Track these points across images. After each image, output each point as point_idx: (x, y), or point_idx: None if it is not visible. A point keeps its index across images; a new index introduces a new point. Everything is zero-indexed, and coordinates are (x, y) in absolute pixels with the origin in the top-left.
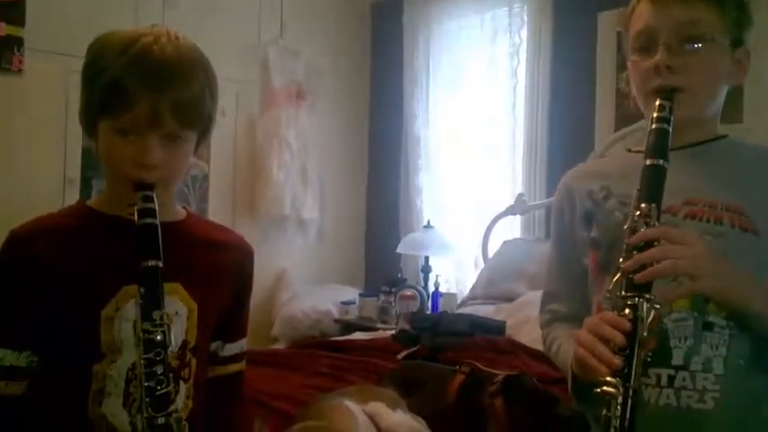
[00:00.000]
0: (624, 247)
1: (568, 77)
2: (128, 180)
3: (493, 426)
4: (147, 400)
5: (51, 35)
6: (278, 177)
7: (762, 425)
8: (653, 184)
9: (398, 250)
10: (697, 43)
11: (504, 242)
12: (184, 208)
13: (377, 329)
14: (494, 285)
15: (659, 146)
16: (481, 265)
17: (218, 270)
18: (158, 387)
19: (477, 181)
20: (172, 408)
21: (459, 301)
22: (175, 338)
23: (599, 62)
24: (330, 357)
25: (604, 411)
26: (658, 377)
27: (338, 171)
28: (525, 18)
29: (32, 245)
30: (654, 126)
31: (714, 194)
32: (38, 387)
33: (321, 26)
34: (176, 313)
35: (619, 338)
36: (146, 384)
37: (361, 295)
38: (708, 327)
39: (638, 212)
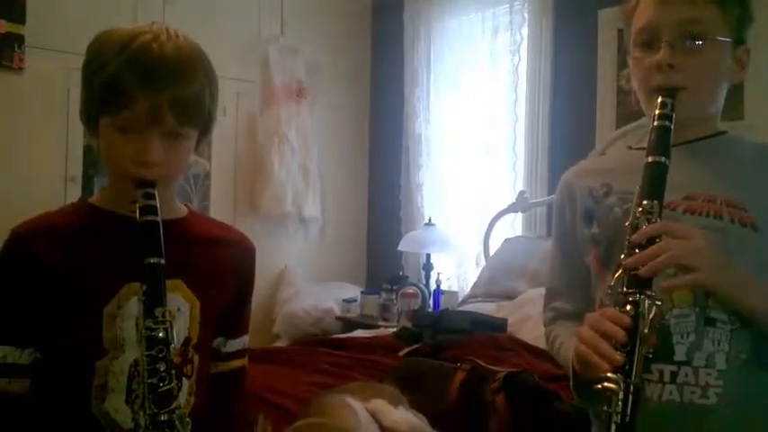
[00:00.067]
0: (626, 243)
1: (569, 75)
2: (129, 177)
3: (494, 422)
4: (150, 396)
5: (52, 33)
6: (279, 175)
7: (764, 419)
8: (655, 181)
9: (400, 248)
10: (699, 41)
11: (506, 240)
12: (186, 205)
13: (378, 327)
14: (495, 283)
15: (661, 143)
16: (482, 262)
17: (219, 267)
18: (161, 384)
19: (478, 178)
20: (174, 404)
21: (460, 298)
22: (178, 335)
23: (600, 59)
24: (332, 355)
25: (605, 407)
26: (661, 373)
27: (339, 169)
28: (526, 15)
29: (33, 243)
30: (656, 123)
31: (714, 189)
32: (41, 384)
33: (321, 24)
34: (178, 310)
35: (620, 335)
36: (148, 381)
37: (362, 293)
38: (710, 322)
39: (639, 209)
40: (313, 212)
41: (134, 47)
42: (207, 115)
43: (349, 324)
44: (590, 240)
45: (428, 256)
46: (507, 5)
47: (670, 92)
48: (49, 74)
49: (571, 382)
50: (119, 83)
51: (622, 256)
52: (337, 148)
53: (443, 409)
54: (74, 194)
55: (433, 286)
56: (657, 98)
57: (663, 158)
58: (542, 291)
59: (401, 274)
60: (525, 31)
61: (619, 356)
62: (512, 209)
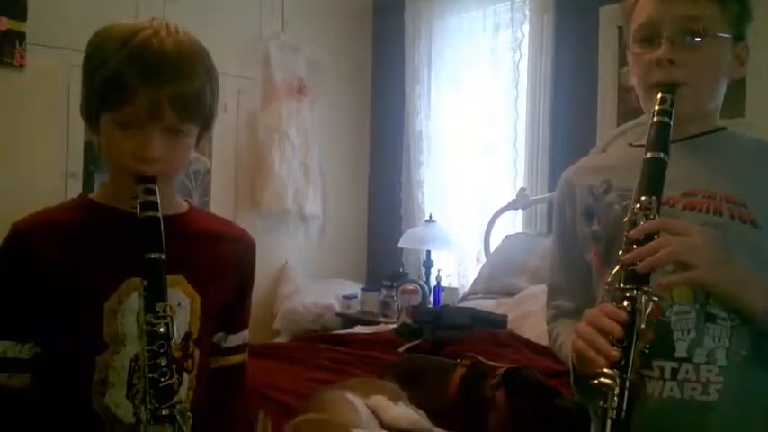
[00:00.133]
0: (624, 239)
1: (570, 72)
2: (129, 173)
3: (494, 418)
4: (151, 391)
5: (53, 30)
6: (280, 172)
7: (764, 416)
8: (653, 177)
9: (400, 245)
10: (699, 37)
11: (506, 237)
12: (186, 201)
13: (378, 324)
14: (495, 280)
15: (660, 139)
16: (483, 259)
17: (219, 262)
18: (162, 379)
19: (478, 175)
20: (176, 399)
21: (460, 295)
22: (178, 330)
23: (601, 57)
24: (332, 351)
25: (601, 402)
26: (661, 370)
27: (340, 166)
28: (527, 13)
29: (32, 239)
30: (655, 119)
31: (713, 185)
32: (41, 379)
33: (322, 21)
34: (179, 305)
35: (617, 330)
36: (150, 376)
37: (362, 290)
38: (710, 318)
39: (638, 205)
40: (314, 209)
41: (134, 42)
42: (207, 111)
43: (349, 320)
44: (590, 238)
45: (428, 252)
46: (508, 2)
47: (670, 88)
48: (49, 71)
49: (571, 378)
50: (119, 79)
51: (620, 252)
52: (338, 145)
53: (443, 405)
54: (74, 191)
55: (433, 283)
56: (657, 94)
57: (661, 154)
58: (543, 287)
59: (401, 270)
60: (526, 28)
61: (615, 352)
62: (512, 206)
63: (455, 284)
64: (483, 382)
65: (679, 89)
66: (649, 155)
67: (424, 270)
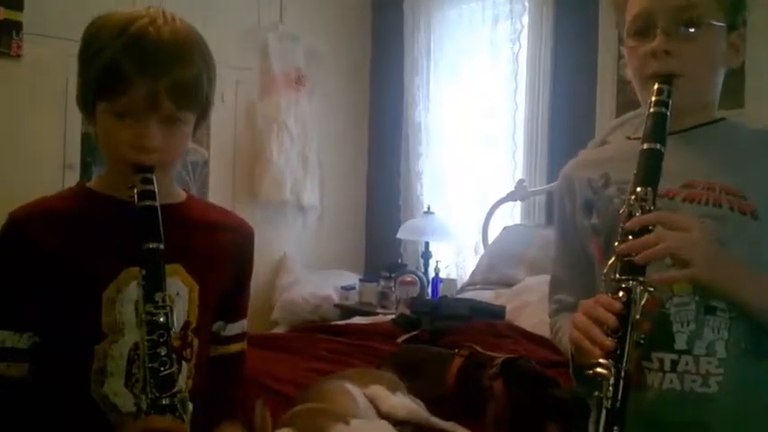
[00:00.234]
0: (620, 230)
1: (570, 63)
2: (127, 163)
3: (492, 408)
4: (152, 381)
5: (50, 19)
6: (278, 162)
7: (764, 407)
8: (649, 168)
9: (399, 236)
10: (694, 27)
11: (505, 228)
12: (184, 190)
13: (377, 314)
14: (494, 271)
15: (656, 130)
16: (481, 250)
17: (218, 251)
18: (162, 368)
19: (477, 167)
20: (176, 388)
21: (459, 286)
22: (177, 319)
23: (600, 48)
24: (330, 341)
25: (596, 393)
26: (661, 362)
27: (338, 156)
28: (526, 4)
29: (30, 227)
30: (651, 110)
31: (713, 177)
32: (39, 368)
33: (321, 12)
34: (177, 294)
35: (611, 320)
36: (150, 366)
37: (361, 280)
38: (710, 310)
39: (633, 196)
40: (312, 200)
41: (131, 31)
42: (205, 99)
43: (347, 311)
44: (590, 231)
45: (427, 244)
46: None
47: (666, 78)
48: (47, 61)
49: (570, 369)
50: (116, 68)
51: (616, 243)
52: (336, 136)
53: (441, 395)
54: (72, 182)
55: (431, 274)
56: (653, 85)
57: (658, 145)
58: (541, 278)
59: (400, 261)
60: (526, 19)
61: (609, 342)
62: (511, 197)
63: (453, 276)
64: (481, 373)
65: (675, 80)
66: (645, 146)
67: (422, 261)
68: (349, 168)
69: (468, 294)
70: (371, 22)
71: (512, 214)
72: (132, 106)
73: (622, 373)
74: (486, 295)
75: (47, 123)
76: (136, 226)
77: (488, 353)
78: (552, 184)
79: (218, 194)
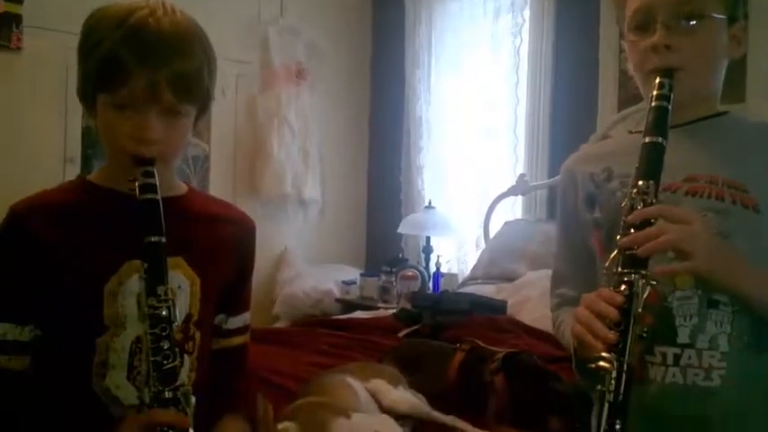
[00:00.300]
0: (622, 224)
1: (571, 57)
2: (127, 155)
3: (493, 402)
4: (155, 374)
5: (50, 12)
6: (279, 157)
7: (767, 400)
8: (651, 162)
9: (400, 230)
10: (694, 20)
11: (506, 223)
12: (185, 183)
13: (378, 309)
14: (495, 266)
15: (658, 123)
16: (482, 245)
17: (219, 244)
18: (165, 361)
19: (478, 161)
20: (179, 381)
21: (460, 281)
22: (179, 312)
23: (602, 42)
24: (331, 335)
25: (599, 386)
26: (664, 356)
27: (339, 150)
28: None
29: (30, 220)
30: (653, 104)
31: (715, 170)
32: (41, 361)
33: (321, 5)
34: (179, 287)
35: (613, 314)
36: (153, 359)
37: (362, 275)
38: (712, 304)
39: (635, 190)
40: (313, 194)
41: (130, 22)
42: (205, 92)
43: (348, 306)
44: (592, 225)
45: (428, 238)
46: None
47: (667, 72)
48: (47, 53)
49: (573, 363)
50: (115, 59)
51: (618, 237)
52: (337, 130)
53: (443, 389)
54: (72, 175)
55: (432, 269)
56: (655, 80)
57: (659, 139)
58: (542, 273)
59: (401, 256)
60: (527, 12)
61: (611, 335)
62: (512, 192)
63: (454, 270)
64: (482, 367)
65: (677, 74)
66: (647, 139)
67: (423, 256)
68: (350, 162)
69: (470, 289)
70: (372, 16)
71: (513, 209)
72: (132, 98)
73: (625, 367)
74: (487, 290)
75: (47, 116)
76: (137, 219)
77: (490, 347)
78: (554, 179)
79: (218, 189)
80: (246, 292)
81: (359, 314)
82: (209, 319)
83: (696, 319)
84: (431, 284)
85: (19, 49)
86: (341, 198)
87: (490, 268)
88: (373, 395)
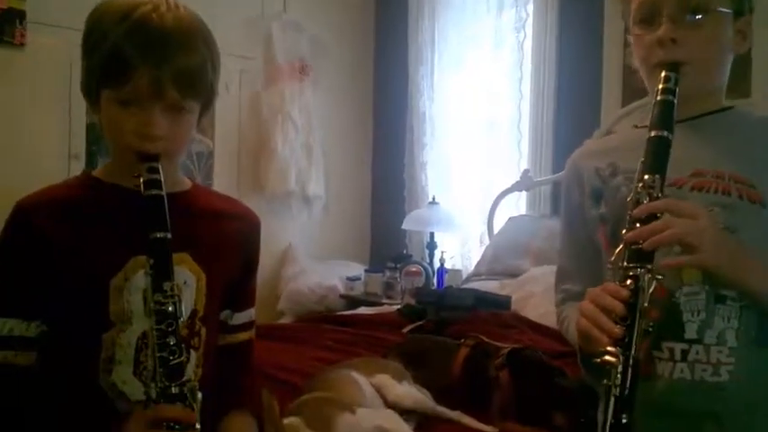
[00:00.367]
0: (627, 218)
1: (575, 52)
2: (132, 151)
3: (498, 398)
4: (161, 370)
5: (54, 8)
6: (283, 153)
7: None
8: (657, 156)
9: (404, 226)
10: (700, 14)
11: (510, 218)
12: (189, 178)
13: (382, 305)
14: (499, 261)
15: (664, 117)
16: (486, 241)
17: (224, 240)
18: (171, 357)
19: (482, 157)
20: (185, 377)
21: (464, 276)
22: (185, 308)
23: (606, 37)
24: (336, 331)
25: (605, 380)
26: (671, 351)
27: (343, 147)
28: None
29: (36, 216)
30: (659, 98)
31: (721, 165)
32: (47, 357)
33: (324, 0)
34: (185, 283)
35: (619, 308)
36: (159, 355)
37: (366, 271)
38: (720, 299)
39: (641, 184)
40: (317, 191)
41: (134, 17)
42: (209, 87)
43: (353, 302)
44: (598, 220)
45: (432, 234)
46: None
47: (673, 66)
48: (50, 50)
49: (579, 358)
50: (119, 55)
51: (624, 231)
52: (341, 126)
53: (447, 385)
54: (77, 172)
55: (436, 265)
56: (660, 74)
57: (665, 133)
58: (546, 269)
59: (405, 252)
60: (530, 7)
61: (617, 330)
62: (516, 187)
63: (458, 266)
64: (487, 362)
65: (682, 68)
66: (653, 133)
67: (427, 252)
68: (354, 159)
69: (473, 285)
70: (375, 11)
71: (517, 204)
72: (136, 94)
73: (631, 361)
74: (491, 286)
75: (51, 113)
76: (143, 215)
77: (494, 343)
78: (558, 175)
79: (222, 185)
80: (251, 288)
81: (363, 310)
82: (215, 314)
83: (703, 315)
84: (435, 280)
85: (22, 45)
86: (345, 194)
87: (494, 264)
88: (378, 390)
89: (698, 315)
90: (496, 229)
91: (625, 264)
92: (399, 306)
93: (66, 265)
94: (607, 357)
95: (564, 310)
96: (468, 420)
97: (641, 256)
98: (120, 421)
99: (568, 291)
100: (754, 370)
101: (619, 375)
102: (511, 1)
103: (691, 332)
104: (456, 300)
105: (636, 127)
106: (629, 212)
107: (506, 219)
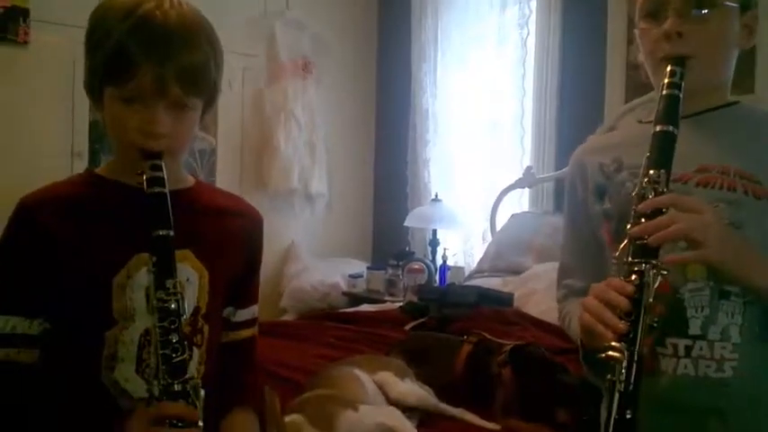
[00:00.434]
0: (632, 213)
1: (578, 48)
2: (135, 148)
3: (501, 394)
4: (164, 367)
5: (57, 6)
6: (285, 151)
7: None
8: (662, 150)
9: (406, 223)
10: (707, 8)
11: (513, 215)
12: (193, 175)
13: (384, 302)
14: (501, 258)
15: (669, 112)
16: (489, 238)
17: (227, 237)
18: (174, 355)
19: (485, 154)
20: (188, 374)
21: (466, 274)
22: (188, 305)
23: (609, 33)
24: (338, 328)
25: (609, 376)
26: (675, 347)
27: (346, 144)
28: None
29: (40, 213)
30: (664, 92)
31: (727, 161)
32: (50, 354)
33: None
34: (187, 280)
35: (624, 303)
36: (162, 352)
37: (368, 268)
38: (724, 295)
39: (646, 179)
40: (319, 188)
41: (137, 15)
42: (212, 85)
43: (355, 299)
44: (602, 215)
45: (434, 231)
46: None
47: (679, 60)
48: (54, 48)
49: (580, 354)
50: (123, 52)
51: (629, 226)
52: (343, 123)
53: (450, 382)
54: (80, 170)
55: (439, 262)
56: (666, 68)
57: (671, 127)
58: (548, 266)
59: (407, 249)
60: (534, 4)
61: (622, 325)
62: (519, 184)
63: (461, 263)
64: (490, 359)
65: (688, 62)
66: (658, 128)
67: (430, 249)
68: (356, 156)
69: (476, 282)
70: (378, 9)
71: (520, 201)
72: (139, 91)
73: (635, 357)
74: (493, 283)
75: (54, 111)
76: (146, 212)
77: (497, 340)
78: (561, 171)
79: (225, 183)
80: (254, 285)
81: (366, 307)
82: (218, 311)
83: (707, 311)
84: (437, 277)
85: (26, 43)
86: (348, 192)
87: (497, 261)
88: (380, 387)
89: (702, 311)
90: (499, 226)
91: (630, 259)
92: (402, 303)
93: (69, 262)
94: (611, 353)
95: (566, 305)
96: (470, 417)
97: (646, 251)
98: (122, 419)
99: (571, 286)
100: (758, 366)
101: (623, 371)
102: None
103: (695, 328)
104: (458, 297)
105: (640, 122)
106: (633, 207)
107: (509, 216)
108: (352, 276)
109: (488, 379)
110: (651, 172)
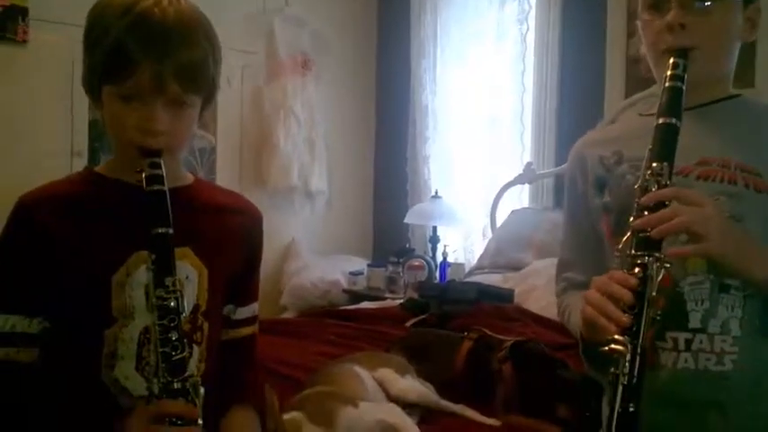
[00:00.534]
0: (635, 206)
1: (578, 43)
2: (134, 146)
3: (501, 390)
4: (164, 365)
5: (56, 5)
6: (285, 148)
7: None
8: (665, 143)
9: (406, 220)
10: (710, 1)
11: (513, 211)
12: (192, 173)
13: (385, 299)
14: (502, 254)
15: (672, 104)
16: (489, 234)
17: (226, 234)
18: (174, 353)
19: (485, 150)
20: (188, 372)
21: (467, 270)
22: (187, 303)
23: (609, 28)
24: (339, 326)
25: (612, 369)
26: (675, 341)
27: (345, 141)
28: None
29: (39, 211)
30: (667, 84)
31: (727, 154)
32: (50, 353)
33: None
34: (187, 278)
35: (627, 296)
36: (161, 350)
37: (369, 265)
38: (724, 289)
39: (649, 171)
40: (319, 185)
41: (135, 12)
42: (211, 81)
43: (356, 296)
44: (602, 209)
45: (434, 228)
46: None
47: (682, 52)
48: (53, 47)
49: (580, 347)
50: (121, 50)
51: (631, 218)
52: (343, 120)
53: (450, 378)
54: (80, 169)
55: (439, 258)
56: (669, 60)
57: (674, 120)
58: (548, 262)
59: (408, 246)
60: None
61: (626, 318)
62: (519, 180)
63: (461, 260)
64: (490, 356)
65: (691, 53)
66: (661, 120)
67: (430, 246)
68: (356, 153)
69: (476, 278)
70: (377, 6)
71: (520, 197)
72: (138, 89)
73: (638, 350)
74: (493, 279)
75: (53, 110)
76: (145, 210)
77: (497, 336)
78: (561, 167)
79: (225, 181)
80: (254, 283)
81: (366, 304)
82: (218, 309)
83: (708, 304)
84: (438, 274)
85: (25, 42)
86: (347, 189)
87: (497, 257)
88: (381, 384)
89: (702, 304)
90: (499, 223)
91: (633, 252)
92: (402, 300)
93: (68, 260)
94: (614, 346)
95: (565, 299)
96: (471, 413)
97: (649, 243)
98: (122, 417)
99: (570, 280)
100: (758, 359)
101: (627, 364)
102: None
103: (695, 321)
104: (459, 293)
105: (641, 115)
106: (636, 200)
107: (509, 212)
108: (352, 274)
109: (489, 375)
110: (654, 164)
